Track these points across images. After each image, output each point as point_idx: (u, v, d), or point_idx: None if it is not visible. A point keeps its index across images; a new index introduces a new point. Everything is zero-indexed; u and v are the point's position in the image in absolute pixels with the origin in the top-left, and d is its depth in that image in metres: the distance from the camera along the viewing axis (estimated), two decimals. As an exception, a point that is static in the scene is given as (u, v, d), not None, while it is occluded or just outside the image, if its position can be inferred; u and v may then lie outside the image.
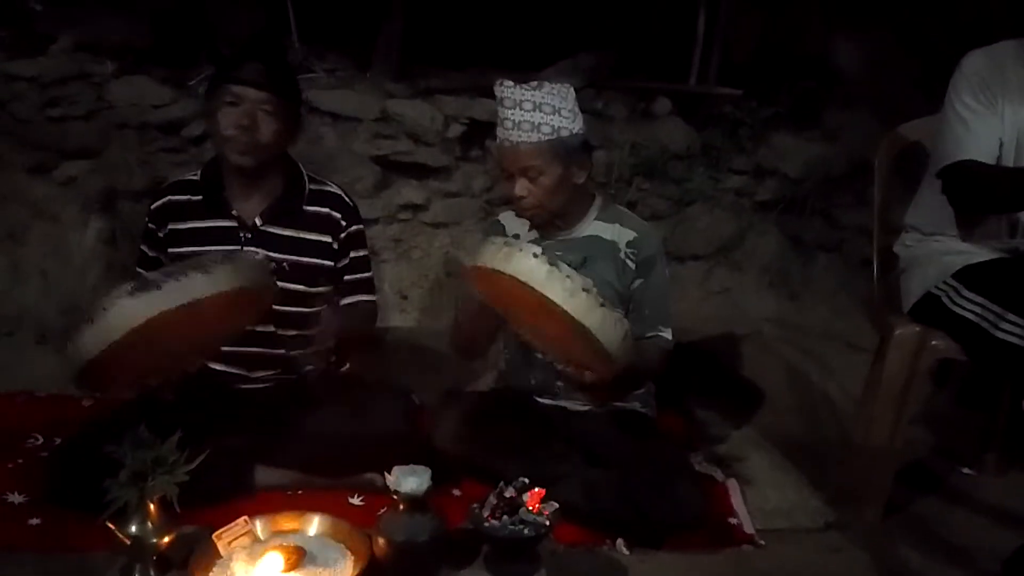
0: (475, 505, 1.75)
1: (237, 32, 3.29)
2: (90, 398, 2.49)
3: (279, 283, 2.04)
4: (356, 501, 2.05)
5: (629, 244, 2.17)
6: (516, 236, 2.25)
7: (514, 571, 1.71)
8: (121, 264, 3.01)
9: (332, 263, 2.15)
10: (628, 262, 2.17)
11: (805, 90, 3.55)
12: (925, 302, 2.10)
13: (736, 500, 2.19)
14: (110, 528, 1.61)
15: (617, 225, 2.19)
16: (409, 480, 1.67)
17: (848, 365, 2.90)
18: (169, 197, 2.13)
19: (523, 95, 2.03)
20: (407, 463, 1.72)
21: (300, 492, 2.05)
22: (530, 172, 2.04)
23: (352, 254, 2.18)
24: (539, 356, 2.16)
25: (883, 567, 1.99)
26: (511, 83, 2.05)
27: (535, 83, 2.06)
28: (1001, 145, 2.00)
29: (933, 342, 2.05)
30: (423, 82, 3.28)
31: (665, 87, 3.54)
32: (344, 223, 2.15)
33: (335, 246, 2.14)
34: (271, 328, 2.09)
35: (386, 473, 1.70)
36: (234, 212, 2.08)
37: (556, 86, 2.08)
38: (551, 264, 1.67)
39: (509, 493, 1.72)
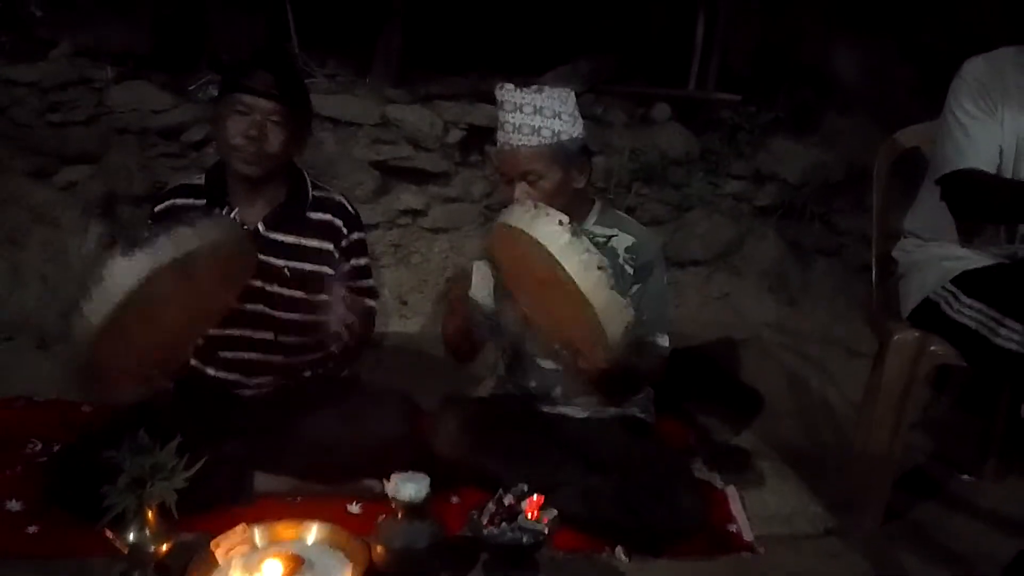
0: (474, 512, 1.75)
1: (236, 38, 3.30)
2: (90, 404, 2.49)
3: (279, 289, 2.05)
4: (355, 508, 2.05)
5: (628, 249, 2.17)
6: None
7: (513, 578, 1.71)
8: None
9: (333, 271, 2.15)
10: (627, 267, 2.16)
11: (804, 96, 3.55)
12: (924, 308, 2.10)
13: (735, 506, 2.19)
14: (108, 534, 1.60)
15: (616, 230, 2.19)
16: (408, 487, 1.67)
17: (847, 370, 2.90)
18: (173, 200, 2.12)
19: (523, 99, 2.03)
20: (406, 469, 1.72)
21: (299, 499, 2.05)
22: (530, 176, 2.05)
23: (353, 262, 2.18)
24: (538, 361, 2.16)
25: (883, 573, 1.99)
26: (512, 86, 2.05)
27: (536, 87, 2.06)
28: (1001, 152, 2.00)
29: (932, 348, 2.05)
30: (423, 88, 3.29)
31: (664, 93, 3.54)
32: (346, 231, 2.15)
33: (336, 254, 2.14)
34: (270, 335, 2.09)
35: (385, 480, 1.70)
36: (237, 217, 2.08)
37: (556, 90, 2.08)
38: (573, 234, 1.67)
39: (508, 500, 1.72)
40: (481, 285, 2.27)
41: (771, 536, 2.08)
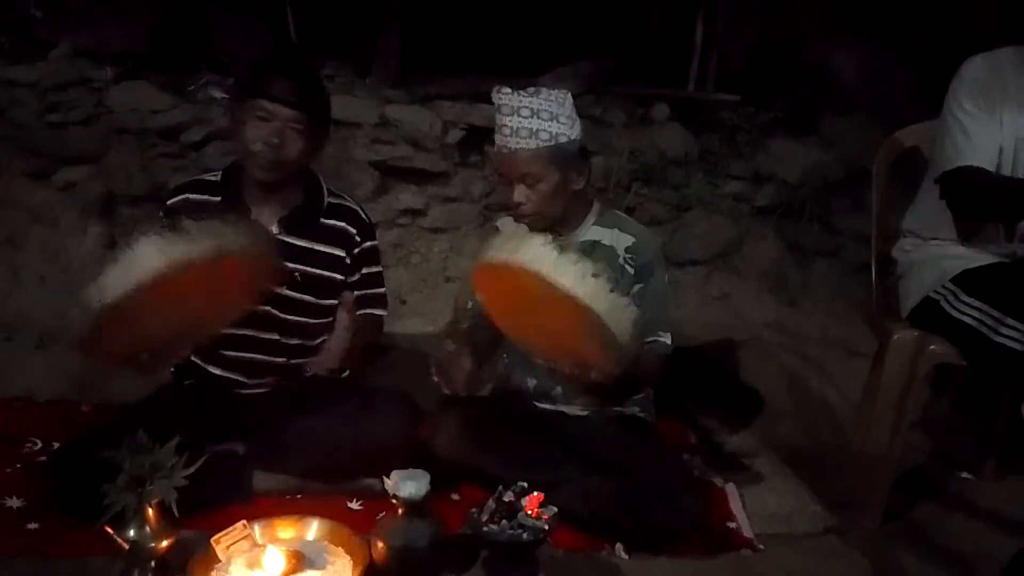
0: (474, 510, 1.75)
1: (236, 39, 3.30)
2: (89, 403, 2.50)
3: (288, 292, 2.06)
4: (355, 506, 2.05)
5: (628, 249, 2.17)
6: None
7: (513, 576, 1.71)
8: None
9: (343, 277, 2.15)
10: (627, 267, 2.17)
11: (803, 96, 3.56)
12: (923, 307, 2.10)
13: (735, 505, 2.19)
14: (108, 533, 1.60)
15: (615, 230, 2.19)
16: (408, 485, 1.67)
17: (847, 370, 2.90)
18: (187, 195, 2.11)
19: (520, 102, 2.03)
20: (406, 468, 1.72)
21: (299, 497, 2.05)
22: (528, 179, 2.05)
23: (364, 270, 2.19)
24: (537, 360, 2.16)
25: (882, 572, 1.99)
26: (508, 90, 2.05)
27: (532, 89, 2.06)
28: (1000, 151, 2.00)
29: (931, 347, 2.05)
30: (422, 88, 3.29)
31: (663, 93, 3.55)
32: (359, 239, 2.15)
33: (348, 260, 2.15)
34: (275, 336, 2.09)
35: (385, 478, 1.70)
36: (252, 218, 2.07)
37: (554, 92, 2.08)
38: (559, 250, 1.66)
39: (508, 498, 1.72)
40: None
41: (771, 535, 2.09)
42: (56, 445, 2.18)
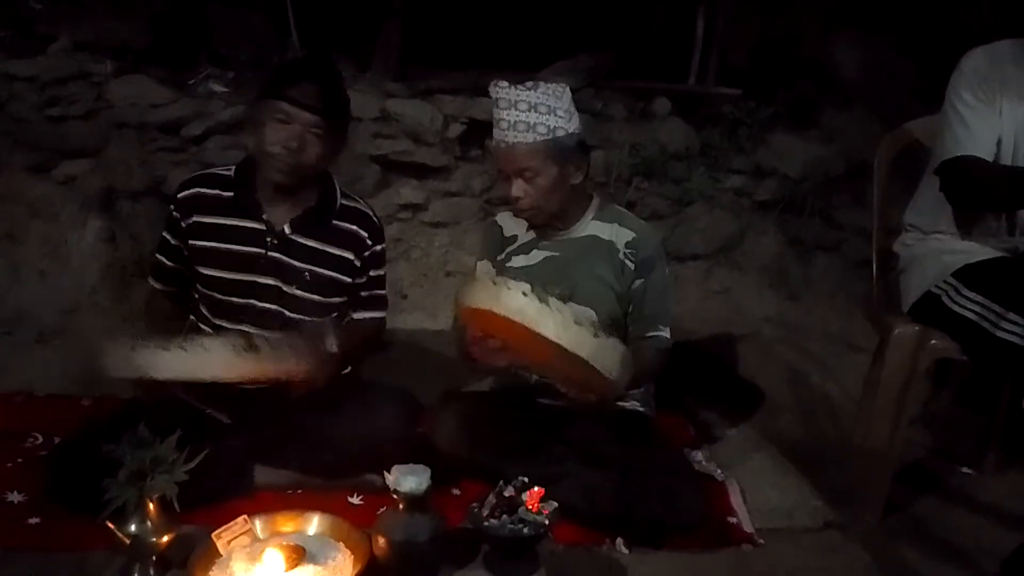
0: (474, 504, 1.75)
1: (236, 33, 3.30)
2: (90, 398, 2.50)
3: (297, 291, 2.07)
4: (356, 500, 2.05)
5: (628, 244, 2.17)
6: (514, 236, 2.25)
7: (513, 571, 1.71)
8: (120, 264, 3.01)
9: (350, 279, 2.15)
10: (627, 262, 2.17)
11: (804, 90, 3.55)
12: (924, 301, 2.10)
13: (735, 499, 2.19)
14: (109, 527, 1.60)
15: (615, 225, 2.19)
16: (409, 479, 1.67)
17: (847, 365, 2.90)
18: (198, 188, 2.11)
19: (518, 96, 2.03)
20: (407, 463, 1.72)
21: (300, 491, 2.05)
22: (526, 173, 2.05)
23: (372, 273, 2.20)
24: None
25: (882, 567, 1.99)
26: (506, 84, 2.05)
27: (530, 83, 2.06)
28: (1000, 143, 2.00)
29: (932, 342, 2.05)
30: (423, 82, 3.29)
31: (664, 87, 3.54)
32: (369, 242, 2.16)
33: (357, 263, 2.15)
34: (278, 334, 2.08)
35: (386, 472, 1.70)
36: (264, 216, 2.07)
37: (551, 86, 2.08)
38: (541, 300, 1.68)
39: (508, 492, 1.72)
40: None
41: (771, 530, 2.09)
42: (57, 440, 2.19)
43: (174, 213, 2.11)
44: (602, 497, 1.97)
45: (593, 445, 2.10)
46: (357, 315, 2.21)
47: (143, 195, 3.04)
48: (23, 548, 1.80)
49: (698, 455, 2.40)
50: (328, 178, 2.14)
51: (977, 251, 2.06)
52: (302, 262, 2.08)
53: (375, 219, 2.19)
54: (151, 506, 1.61)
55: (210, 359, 1.71)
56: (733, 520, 2.11)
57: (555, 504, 1.74)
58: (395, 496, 1.68)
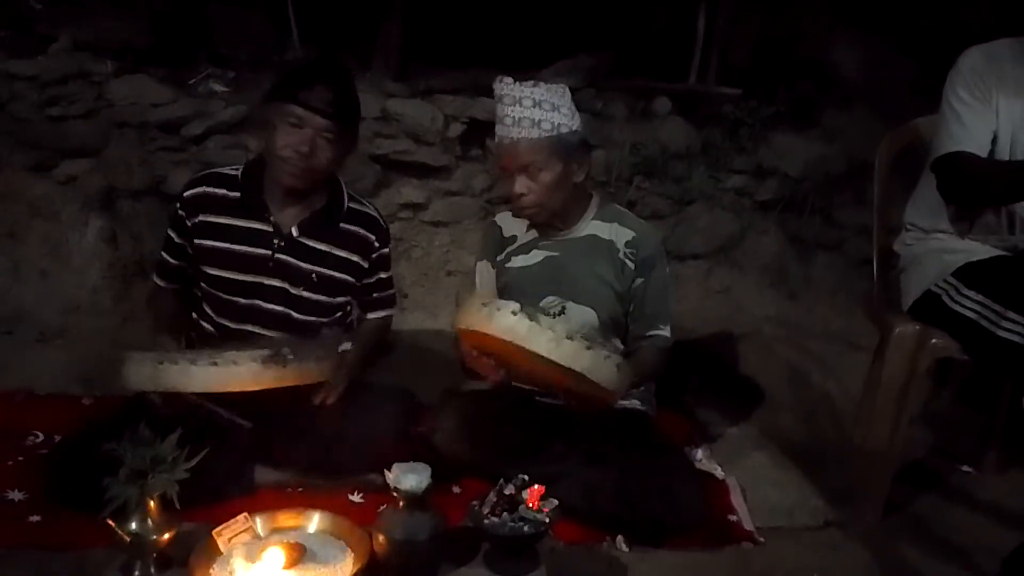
0: (475, 503, 1.75)
1: (236, 32, 3.30)
2: (91, 397, 2.50)
3: (304, 292, 2.08)
4: (356, 498, 2.06)
5: (628, 244, 2.17)
6: (513, 237, 2.26)
7: (514, 569, 1.71)
8: (121, 263, 3.01)
9: (357, 281, 2.16)
10: (627, 262, 2.17)
11: (804, 90, 3.55)
12: (925, 301, 2.10)
13: (736, 498, 2.20)
14: (110, 525, 1.60)
15: (615, 224, 2.19)
16: (409, 478, 1.67)
17: (848, 364, 2.90)
18: (205, 188, 2.11)
19: (523, 92, 2.04)
20: (407, 461, 1.72)
21: (300, 490, 2.06)
22: (530, 168, 2.05)
23: (382, 275, 2.22)
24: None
25: (883, 565, 1.99)
26: (510, 80, 2.06)
27: (532, 81, 2.07)
28: (996, 140, 2.01)
29: (933, 341, 2.05)
30: (423, 82, 3.28)
31: (665, 87, 3.54)
32: (377, 244, 2.17)
33: (365, 265, 2.16)
34: (283, 334, 2.09)
35: (386, 471, 1.70)
36: (272, 217, 2.08)
37: (553, 85, 2.09)
38: (531, 319, 1.71)
39: (509, 491, 1.72)
40: (484, 286, 2.28)
41: (771, 528, 2.09)
42: (58, 438, 2.19)
43: (179, 212, 2.11)
44: (602, 495, 1.97)
45: (593, 444, 2.10)
46: (370, 316, 2.25)
47: (144, 194, 3.03)
48: (24, 546, 1.80)
49: (698, 453, 2.40)
50: (336, 181, 2.14)
51: (977, 250, 2.06)
52: (309, 264, 2.09)
53: (382, 222, 2.20)
54: (152, 504, 1.61)
55: (239, 372, 1.73)
56: (733, 518, 2.11)
57: (555, 502, 1.74)
58: (396, 494, 1.68)
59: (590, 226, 2.20)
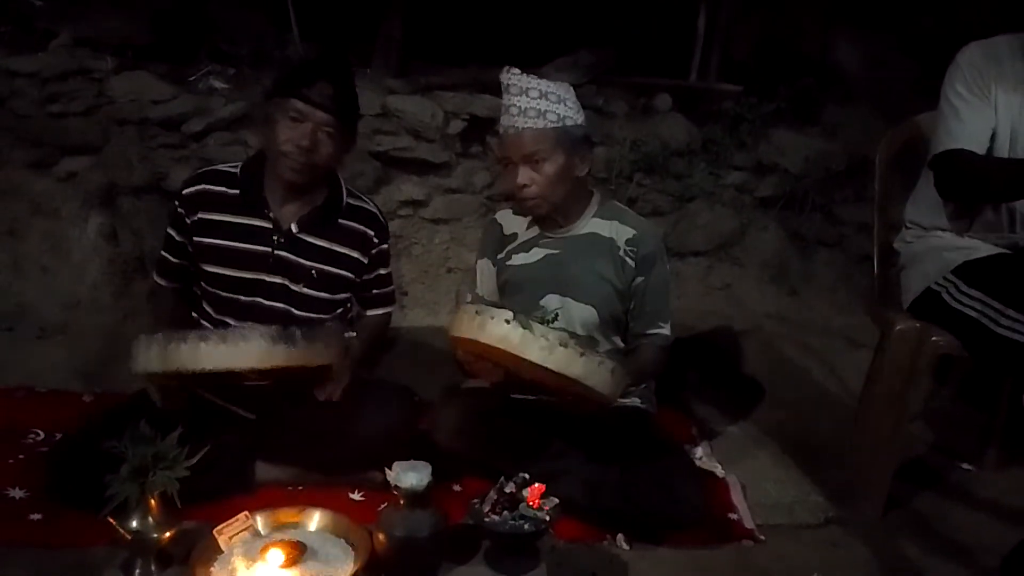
0: (475, 500, 1.75)
1: (237, 28, 3.29)
2: (91, 395, 2.50)
3: (304, 289, 2.08)
4: (357, 496, 2.06)
5: (628, 242, 2.17)
6: (514, 235, 2.26)
7: (514, 566, 1.71)
8: (122, 259, 3.01)
9: (357, 277, 2.16)
10: (628, 260, 2.17)
11: (805, 86, 3.55)
12: (925, 298, 2.10)
13: (736, 495, 2.20)
14: (111, 523, 1.61)
15: (616, 222, 2.19)
16: (410, 476, 1.67)
17: (848, 361, 2.91)
18: (204, 185, 2.11)
19: (529, 83, 2.05)
20: (408, 459, 1.72)
21: (301, 488, 2.06)
22: (535, 157, 2.05)
23: (381, 271, 2.22)
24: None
25: (883, 562, 1.99)
26: (518, 71, 2.07)
27: (537, 75, 2.08)
28: (995, 136, 2.01)
29: (933, 338, 2.05)
30: (423, 78, 3.28)
31: (666, 83, 3.54)
32: (376, 240, 2.17)
33: (364, 261, 2.16)
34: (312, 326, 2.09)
35: (387, 469, 1.70)
36: (271, 214, 2.08)
37: (557, 82, 2.10)
38: (524, 327, 1.72)
39: (509, 489, 1.72)
40: (485, 283, 2.28)
41: (772, 525, 2.09)
42: (58, 436, 2.19)
43: (179, 209, 2.11)
44: (603, 493, 1.98)
45: (594, 442, 2.10)
46: (370, 312, 2.25)
47: (144, 191, 3.03)
48: (24, 544, 1.80)
49: (699, 451, 2.40)
50: (335, 177, 2.14)
51: (977, 248, 2.06)
52: (309, 260, 2.09)
53: (381, 218, 2.20)
54: (152, 502, 1.61)
55: (248, 350, 1.71)
56: (734, 516, 2.11)
57: (556, 500, 1.74)
58: (396, 492, 1.68)
59: (591, 224, 2.20)
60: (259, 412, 2.03)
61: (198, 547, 1.66)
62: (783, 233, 3.49)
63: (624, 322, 2.22)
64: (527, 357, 1.71)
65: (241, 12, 3.35)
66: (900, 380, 2.10)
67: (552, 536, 1.84)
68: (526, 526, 1.68)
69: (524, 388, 2.06)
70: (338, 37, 3.37)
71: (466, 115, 3.17)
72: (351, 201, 2.15)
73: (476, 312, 1.78)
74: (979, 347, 1.97)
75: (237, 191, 2.09)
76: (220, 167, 2.16)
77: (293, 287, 2.08)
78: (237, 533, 1.69)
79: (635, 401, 2.22)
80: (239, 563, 1.66)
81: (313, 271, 2.09)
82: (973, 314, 1.96)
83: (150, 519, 1.61)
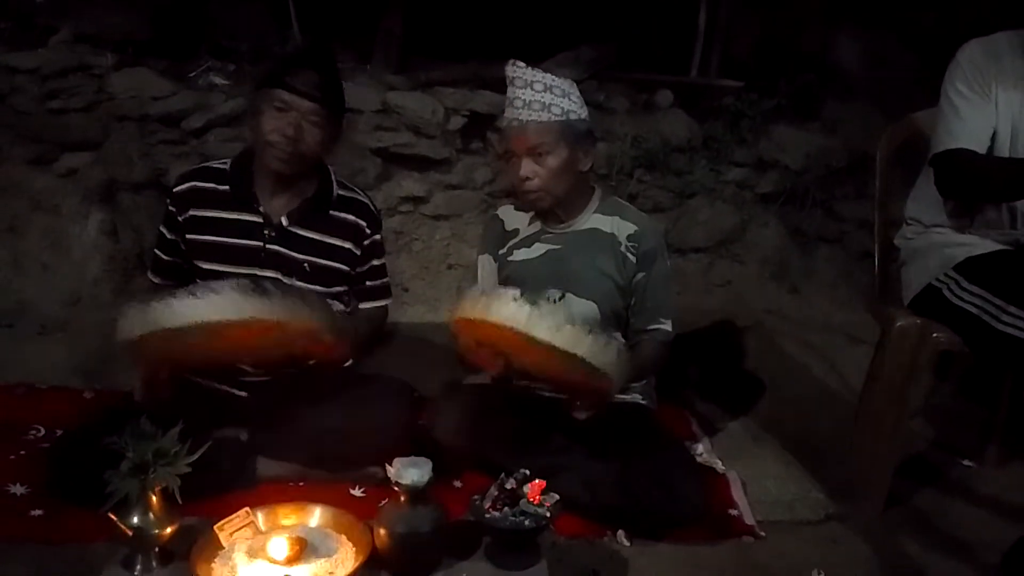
0: (476, 497, 1.75)
1: (237, 24, 3.29)
2: (92, 391, 2.50)
3: (297, 282, 2.07)
4: (357, 492, 2.06)
5: (629, 237, 2.17)
6: (516, 230, 2.26)
7: (515, 562, 1.71)
8: (122, 256, 3.01)
9: (350, 268, 2.16)
10: (629, 255, 2.17)
11: (805, 82, 3.54)
12: (926, 294, 2.10)
13: (736, 492, 2.20)
14: (112, 519, 1.60)
15: (617, 218, 2.19)
16: (410, 472, 1.67)
17: (849, 357, 2.90)
18: (194, 182, 2.11)
19: (534, 76, 2.06)
20: (408, 455, 1.72)
21: (301, 484, 2.06)
22: (538, 150, 2.05)
23: (374, 262, 2.21)
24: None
25: (884, 559, 1.99)
26: (523, 64, 2.07)
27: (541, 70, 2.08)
28: (995, 134, 2.01)
29: (934, 334, 2.05)
30: (424, 74, 3.28)
31: (667, 79, 3.54)
32: (368, 231, 2.17)
33: (357, 252, 2.15)
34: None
35: (387, 465, 1.70)
36: (261, 208, 2.08)
37: (561, 78, 2.10)
38: (531, 304, 1.70)
39: (510, 485, 1.72)
40: (486, 279, 2.28)
41: (772, 522, 2.09)
42: (59, 432, 2.18)
43: (170, 208, 2.12)
44: (603, 489, 1.98)
45: (594, 438, 2.10)
46: (364, 305, 2.23)
47: (144, 187, 3.04)
48: (25, 540, 1.80)
49: (699, 447, 2.41)
50: (324, 169, 2.14)
51: (978, 244, 2.06)
52: (301, 253, 2.08)
53: (372, 208, 2.19)
54: (153, 498, 1.60)
55: (221, 301, 1.68)
56: (734, 512, 2.11)
57: (556, 496, 1.74)
58: (397, 488, 1.68)
59: (592, 219, 2.20)
60: (253, 387, 2.04)
61: (199, 543, 1.66)
62: (784, 229, 3.49)
63: (625, 318, 2.22)
64: (535, 335, 1.69)
65: (241, 8, 3.35)
66: (901, 376, 2.10)
67: (553, 532, 1.85)
68: (527, 522, 1.68)
69: (525, 379, 2.05)
70: (338, 33, 3.36)
71: (466, 111, 3.17)
72: (342, 192, 2.15)
73: (482, 292, 1.78)
74: (980, 343, 1.97)
75: (227, 187, 2.09)
76: (211, 164, 2.17)
77: (286, 281, 2.08)
78: (238, 529, 1.69)
79: (636, 397, 2.23)
80: (240, 559, 1.66)
81: (305, 264, 2.08)
82: (974, 310, 1.95)
83: (151, 515, 1.61)
